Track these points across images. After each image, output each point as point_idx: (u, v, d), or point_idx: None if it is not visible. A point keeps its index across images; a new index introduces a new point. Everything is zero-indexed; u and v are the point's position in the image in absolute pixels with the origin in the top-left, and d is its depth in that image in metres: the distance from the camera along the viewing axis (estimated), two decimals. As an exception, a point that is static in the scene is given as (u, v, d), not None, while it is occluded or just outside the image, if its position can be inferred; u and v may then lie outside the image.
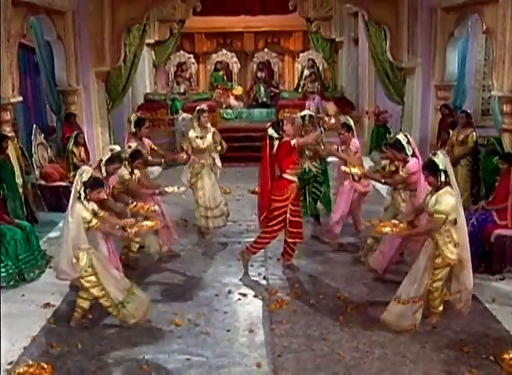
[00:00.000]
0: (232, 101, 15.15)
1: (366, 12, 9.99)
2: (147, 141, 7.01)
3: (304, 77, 14.83)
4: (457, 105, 9.98)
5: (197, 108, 7.31)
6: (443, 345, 4.66)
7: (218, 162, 7.44)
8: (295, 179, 5.98)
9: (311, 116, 7.48)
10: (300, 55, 15.42)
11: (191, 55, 14.74)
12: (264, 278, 6.16)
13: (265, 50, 15.76)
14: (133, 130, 6.87)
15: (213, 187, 7.31)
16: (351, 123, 6.90)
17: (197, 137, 7.15)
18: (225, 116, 14.60)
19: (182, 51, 14.83)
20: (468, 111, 8.51)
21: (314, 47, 15.39)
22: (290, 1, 14.69)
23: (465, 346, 4.62)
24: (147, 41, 14.17)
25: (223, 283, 6.02)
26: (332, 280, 6.08)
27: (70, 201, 4.72)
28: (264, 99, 15.08)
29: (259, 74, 15.44)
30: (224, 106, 14.87)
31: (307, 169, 7.45)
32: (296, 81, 15.64)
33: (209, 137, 7.20)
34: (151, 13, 13.62)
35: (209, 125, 7.36)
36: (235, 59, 15.52)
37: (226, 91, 15.10)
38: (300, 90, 14.83)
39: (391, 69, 10.46)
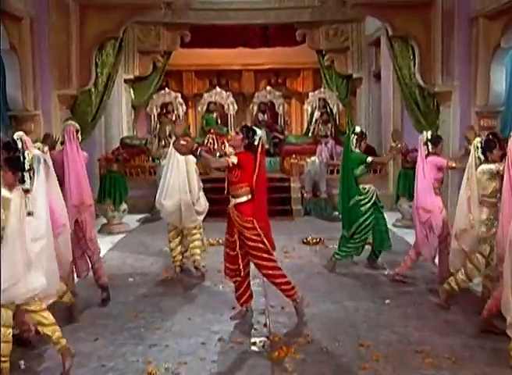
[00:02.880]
0: (228, 149, 15.15)
1: (390, 26, 10.23)
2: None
3: (314, 120, 15.02)
4: (506, 136, 9.95)
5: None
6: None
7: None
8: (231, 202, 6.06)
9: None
10: (310, 94, 15.69)
11: (178, 94, 15.04)
12: (265, 325, 6.10)
13: (268, 88, 16.08)
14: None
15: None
16: None
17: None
18: (218, 166, 14.57)
19: (167, 89, 15.16)
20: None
21: (326, 85, 15.68)
22: (297, 30, 15.14)
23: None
24: (125, 76, 14.66)
25: (212, 331, 5.96)
26: (352, 327, 6.03)
27: None
28: (267, 146, 15.16)
29: (260, 117, 15.68)
30: (217, 155, 14.87)
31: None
32: (305, 125, 15.86)
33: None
34: (131, 43, 14.23)
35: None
36: (231, 99, 15.83)
37: (220, 136, 15.22)
38: (310, 134, 14.98)
39: (421, 96, 10.56)
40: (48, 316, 4.80)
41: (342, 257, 7.94)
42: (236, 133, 6.00)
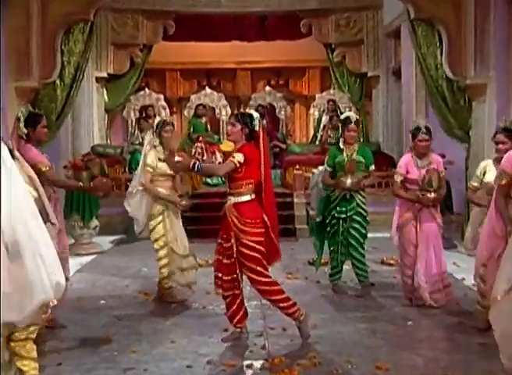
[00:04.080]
0: (220, 160, 15.25)
1: (412, 6, 10.40)
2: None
3: (322, 125, 15.12)
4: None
5: (157, 119, 7.86)
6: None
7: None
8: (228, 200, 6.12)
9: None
10: (317, 96, 15.85)
11: (161, 96, 15.16)
12: (264, 348, 6.10)
13: (267, 89, 16.21)
14: (24, 130, 6.60)
15: (182, 230, 7.88)
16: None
17: (159, 159, 7.54)
18: (208, 179, 14.66)
19: (147, 90, 15.28)
20: None
21: (336, 85, 15.91)
22: (302, 20, 15.33)
23: None
24: (97, 74, 14.78)
25: (200, 354, 5.95)
26: (367, 349, 6.03)
27: None
28: None
29: (259, 122, 15.73)
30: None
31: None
32: (311, 133, 15.99)
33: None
34: (104, 34, 14.36)
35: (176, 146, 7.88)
36: (224, 102, 15.97)
37: (211, 145, 15.35)
38: (317, 142, 15.06)
39: (449, 91, 10.70)
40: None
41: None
42: (232, 124, 6.02)
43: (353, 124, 7.79)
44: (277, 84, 17.85)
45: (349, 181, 7.63)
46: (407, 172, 7.29)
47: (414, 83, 12.99)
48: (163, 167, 7.47)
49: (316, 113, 15.63)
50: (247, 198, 5.95)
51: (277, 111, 16.19)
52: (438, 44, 10.53)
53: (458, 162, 11.21)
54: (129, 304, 7.75)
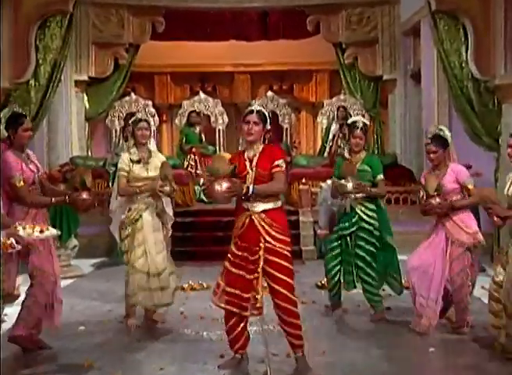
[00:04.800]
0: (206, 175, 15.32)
1: (434, -1, 10.49)
2: (31, 154, 6.99)
3: (331, 135, 15.15)
4: None
5: (132, 119, 7.91)
6: None
7: (170, 210, 8.17)
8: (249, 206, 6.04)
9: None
10: (326, 103, 15.90)
11: (149, 102, 15.23)
12: None
13: (269, 94, 16.26)
14: (4, 133, 6.71)
15: (157, 245, 7.74)
16: (447, 134, 7.45)
17: (132, 161, 7.63)
18: (202, 196, 14.65)
19: (134, 96, 15.33)
20: None
21: (347, 90, 15.94)
22: (308, 17, 15.39)
23: None
24: (76, 77, 14.81)
25: None
26: None
27: None
28: None
29: (259, 132, 15.78)
30: (201, 181, 15.00)
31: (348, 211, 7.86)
32: (318, 144, 16.03)
33: (155, 163, 7.70)
34: (84, 31, 14.41)
35: (154, 146, 8.08)
36: (220, 109, 16.03)
37: (205, 157, 15.39)
38: (325, 154, 15.08)
39: (476, 92, 10.75)
40: None
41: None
42: (255, 123, 5.98)
43: (359, 130, 7.83)
44: (280, 90, 17.94)
45: (349, 184, 7.65)
46: None
47: (436, 86, 12.97)
48: (138, 170, 7.57)
49: (324, 121, 15.64)
50: (278, 203, 6.02)
51: (280, 119, 16.19)
52: (463, 39, 10.60)
53: (486, 174, 11.22)
54: (112, 329, 7.76)
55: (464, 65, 10.64)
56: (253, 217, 5.92)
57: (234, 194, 5.68)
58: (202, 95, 16.19)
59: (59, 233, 7.02)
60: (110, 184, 13.86)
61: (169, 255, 8.00)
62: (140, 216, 7.60)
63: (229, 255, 6.13)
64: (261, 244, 5.91)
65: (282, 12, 15.84)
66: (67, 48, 10.88)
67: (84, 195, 6.74)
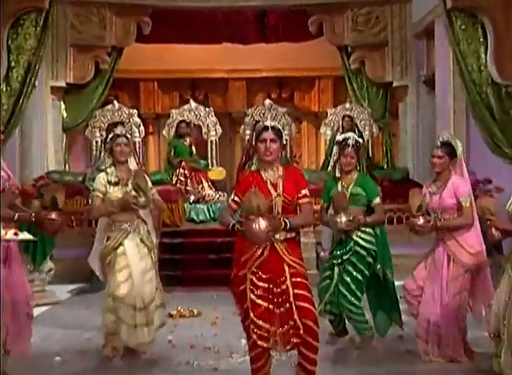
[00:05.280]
0: (207, 191, 15.33)
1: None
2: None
3: (336, 148, 15.10)
4: None
5: (110, 135, 7.85)
6: None
7: (153, 233, 8.08)
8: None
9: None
10: (330, 112, 15.88)
11: (134, 111, 15.23)
12: None
13: (267, 102, 16.24)
14: None
15: (144, 274, 7.60)
16: (459, 145, 7.44)
17: (109, 182, 7.54)
18: (193, 215, 14.64)
19: (117, 104, 15.32)
20: None
21: (354, 98, 15.97)
22: (311, 17, 15.39)
23: None
24: (53, 83, 14.78)
25: None
26: None
27: None
28: None
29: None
30: (192, 198, 15.00)
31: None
32: (321, 157, 16.02)
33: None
34: (62, 33, 14.38)
35: (133, 163, 7.95)
36: (213, 119, 16.07)
37: (196, 172, 15.42)
38: (329, 168, 15.05)
39: (496, 97, 10.73)
40: None
41: None
42: (273, 140, 5.96)
43: (350, 148, 7.81)
44: (279, 98, 17.92)
45: (342, 220, 7.62)
46: None
47: (452, 93, 12.96)
48: (116, 193, 7.46)
49: (328, 133, 15.60)
50: (293, 234, 5.99)
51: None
52: (481, 39, 10.60)
53: (508, 189, 11.16)
54: (91, 359, 7.71)
55: (482, 68, 10.62)
56: (275, 245, 5.91)
57: (274, 231, 5.64)
58: (193, 104, 16.20)
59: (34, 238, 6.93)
60: (90, 201, 13.85)
61: (160, 285, 7.88)
62: (121, 243, 7.48)
63: (251, 287, 6.00)
64: (287, 274, 5.90)
65: (282, 11, 15.83)
66: (42, 50, 10.82)
67: (53, 216, 6.68)
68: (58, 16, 13.80)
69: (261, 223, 5.51)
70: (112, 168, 7.59)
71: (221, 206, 14.75)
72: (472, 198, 7.38)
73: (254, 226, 5.51)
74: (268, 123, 6.05)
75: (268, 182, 5.95)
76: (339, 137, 8.27)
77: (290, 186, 5.92)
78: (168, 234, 12.99)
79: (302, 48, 16.64)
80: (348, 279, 7.76)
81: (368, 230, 7.82)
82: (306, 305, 5.88)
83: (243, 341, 7.69)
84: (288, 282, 5.89)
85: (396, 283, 7.98)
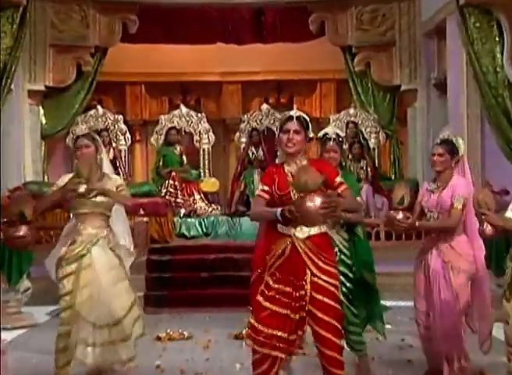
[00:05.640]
0: (199, 204, 15.31)
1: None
2: None
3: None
4: None
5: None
6: None
7: (127, 242, 7.97)
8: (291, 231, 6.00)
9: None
10: (332, 118, 15.94)
11: (120, 116, 15.16)
12: None
13: (264, 107, 16.23)
14: None
15: (113, 287, 7.44)
16: (460, 143, 7.50)
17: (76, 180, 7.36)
18: (183, 230, 14.60)
19: (100, 109, 15.26)
20: None
21: (358, 102, 16.00)
22: (311, 15, 15.36)
23: None
24: (30, 87, 14.71)
25: None
26: None
27: None
28: None
29: (253, 153, 15.90)
30: (182, 212, 14.97)
31: None
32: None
33: (106, 184, 7.51)
34: (41, 31, 14.34)
35: (109, 169, 7.83)
36: (205, 125, 16.09)
37: (187, 184, 15.43)
38: (334, 179, 15.03)
39: (514, 100, 10.70)
40: None
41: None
42: (296, 131, 6.02)
43: (332, 142, 7.72)
44: (278, 103, 17.92)
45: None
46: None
47: (465, 97, 12.85)
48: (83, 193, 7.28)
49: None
50: (324, 228, 5.95)
51: (277, 138, 16.06)
52: (497, 38, 10.60)
53: (528, 200, 11.15)
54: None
55: (498, 69, 10.62)
56: (296, 244, 5.87)
57: (332, 210, 5.50)
58: (183, 109, 16.23)
59: None
60: (71, 215, 13.77)
61: (137, 297, 7.76)
62: (88, 250, 7.29)
63: (262, 288, 5.96)
64: (307, 278, 5.85)
65: (280, 9, 15.80)
66: (19, 49, 10.82)
67: (21, 232, 6.64)
68: (36, 12, 13.75)
69: (315, 200, 5.39)
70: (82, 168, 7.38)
71: (214, 219, 14.79)
72: (469, 202, 7.17)
73: (307, 203, 5.40)
74: (292, 113, 6.09)
75: (289, 174, 5.93)
76: (320, 134, 8.14)
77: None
78: (157, 251, 12.95)
79: (302, 49, 16.62)
80: (345, 290, 7.65)
81: (345, 236, 7.69)
82: (328, 318, 5.81)
83: (238, 366, 7.90)
84: (307, 287, 5.84)
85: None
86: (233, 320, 10.34)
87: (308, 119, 6.12)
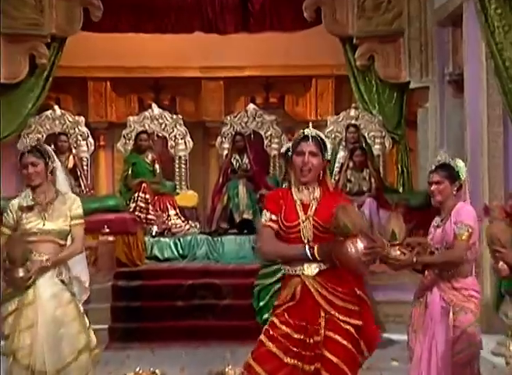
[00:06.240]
0: (175, 220, 15.21)
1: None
2: None
3: (338, 164, 15.05)
4: None
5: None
6: None
7: (84, 275, 7.82)
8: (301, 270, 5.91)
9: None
10: (330, 120, 16.00)
11: (81, 118, 15.07)
12: None
13: (250, 109, 16.19)
14: None
15: (61, 327, 7.27)
16: (460, 165, 7.32)
17: (23, 208, 7.23)
18: (156, 251, 14.51)
19: (58, 110, 15.18)
20: None
21: (360, 102, 15.97)
22: (304, 1, 15.30)
23: None
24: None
25: None
26: None
27: None
28: (246, 215, 15.28)
29: (236, 160, 15.78)
30: (154, 230, 14.88)
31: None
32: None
33: (59, 209, 7.34)
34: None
35: (65, 185, 7.73)
36: (181, 129, 16.08)
37: (161, 197, 15.41)
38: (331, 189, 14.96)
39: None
40: None
41: None
42: (313, 153, 5.88)
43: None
44: (266, 103, 18.01)
45: None
46: None
47: (485, 96, 12.80)
48: (31, 220, 7.14)
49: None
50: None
51: (266, 143, 16.26)
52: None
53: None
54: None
55: (520, 59, 10.54)
56: (306, 283, 5.79)
57: (375, 256, 5.57)
58: (156, 110, 16.22)
59: None
60: None
61: (90, 331, 7.56)
62: (34, 282, 7.11)
63: (267, 328, 5.87)
64: (321, 321, 5.76)
65: (270, -6, 15.78)
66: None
67: None
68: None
69: (357, 245, 5.37)
70: (28, 190, 7.34)
71: (192, 238, 14.67)
72: (475, 232, 7.12)
73: (347, 248, 5.38)
74: (307, 131, 5.94)
75: (298, 201, 5.83)
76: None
77: (326, 208, 5.77)
78: (124, 275, 12.89)
79: (295, 40, 16.73)
80: None
81: None
82: (339, 363, 5.65)
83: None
84: (322, 331, 5.74)
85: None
86: (214, 357, 10.44)
87: (326, 140, 5.99)
